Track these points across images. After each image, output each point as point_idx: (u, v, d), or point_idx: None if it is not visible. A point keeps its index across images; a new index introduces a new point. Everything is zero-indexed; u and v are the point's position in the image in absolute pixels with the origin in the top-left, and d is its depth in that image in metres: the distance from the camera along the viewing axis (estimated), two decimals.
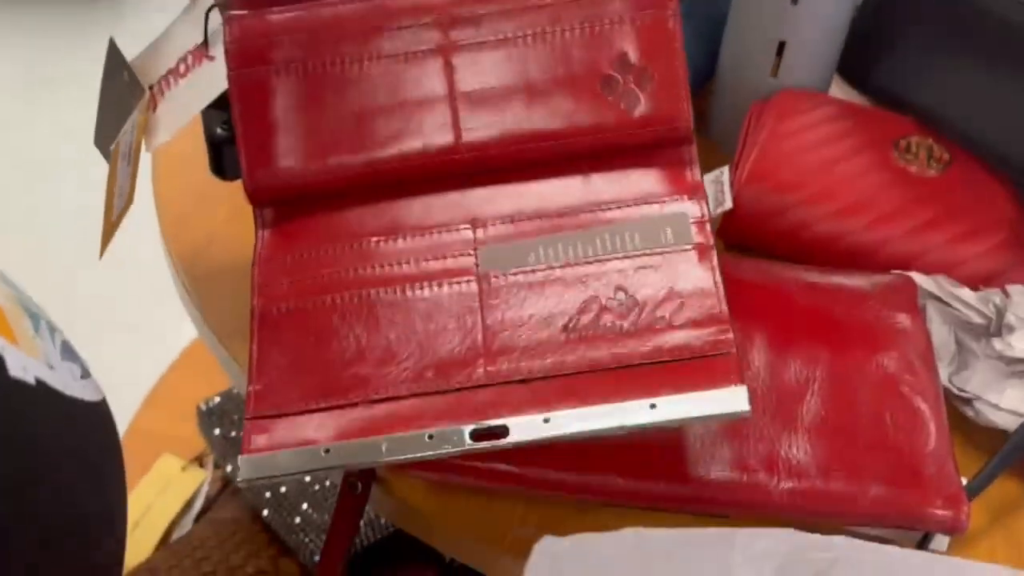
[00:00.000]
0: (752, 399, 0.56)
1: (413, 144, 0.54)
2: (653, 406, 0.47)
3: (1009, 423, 0.60)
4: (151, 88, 0.59)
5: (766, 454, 0.54)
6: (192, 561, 0.92)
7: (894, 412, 0.56)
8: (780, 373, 0.57)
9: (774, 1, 0.73)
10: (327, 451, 0.48)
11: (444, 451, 0.48)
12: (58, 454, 0.36)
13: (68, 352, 0.41)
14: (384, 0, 0.55)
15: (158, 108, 0.58)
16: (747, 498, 0.53)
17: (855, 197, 0.70)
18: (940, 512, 0.52)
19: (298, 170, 0.54)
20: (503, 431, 0.48)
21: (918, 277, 0.65)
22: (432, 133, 0.54)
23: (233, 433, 1.00)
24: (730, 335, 0.49)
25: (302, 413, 0.50)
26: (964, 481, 0.56)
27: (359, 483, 0.58)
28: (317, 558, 0.90)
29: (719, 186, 0.72)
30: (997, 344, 0.61)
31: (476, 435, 0.48)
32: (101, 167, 0.56)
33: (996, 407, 0.60)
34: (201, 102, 0.57)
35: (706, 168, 0.74)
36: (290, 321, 0.52)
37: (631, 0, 0.54)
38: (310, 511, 0.92)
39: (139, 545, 1.05)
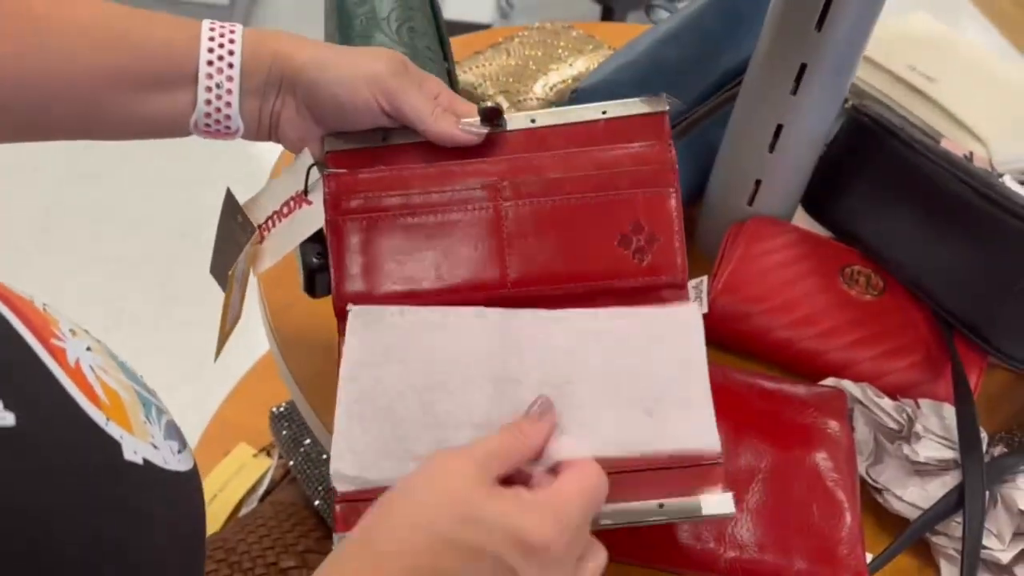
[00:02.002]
0: None
1: (468, 277, 0.56)
2: (661, 506, 0.49)
3: (910, 513, 0.62)
4: (259, 226, 0.61)
5: (717, 528, 0.57)
6: (256, 536, 0.95)
7: (819, 503, 0.58)
8: (734, 462, 0.60)
9: (754, 147, 0.76)
10: None
11: None
12: (153, 519, 0.38)
13: (170, 431, 0.43)
14: (451, 166, 0.57)
15: (264, 241, 0.61)
16: (699, 561, 0.56)
17: (806, 312, 0.73)
18: None
19: (376, 294, 0.56)
20: None
21: (849, 385, 0.68)
22: (483, 270, 0.56)
23: (296, 436, 1.02)
24: (719, 448, 0.50)
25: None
26: (870, 557, 0.59)
27: None
28: None
29: (699, 292, 0.75)
30: (905, 448, 0.64)
31: None
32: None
33: (900, 499, 0.63)
34: (300, 237, 0.59)
35: (693, 271, 0.77)
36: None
37: (641, 178, 0.57)
38: None
39: (215, 514, 1.08)
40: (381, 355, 0.53)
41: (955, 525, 0.61)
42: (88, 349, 0.39)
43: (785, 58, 0.70)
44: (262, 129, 0.58)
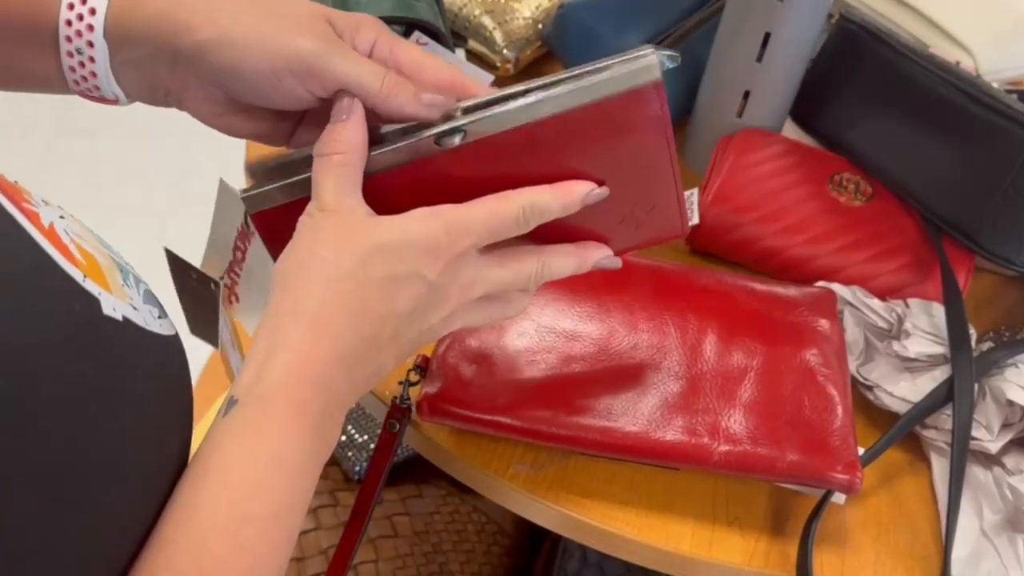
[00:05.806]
0: (703, 380, 0.59)
1: None
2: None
3: (900, 408, 0.62)
4: (222, 281, 0.55)
5: (710, 424, 0.56)
6: None
7: (811, 396, 0.58)
8: (726, 360, 0.60)
9: (742, 58, 0.75)
10: None
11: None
12: (136, 371, 0.38)
13: (149, 297, 0.42)
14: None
15: (240, 298, 0.54)
16: (693, 456, 0.56)
17: (795, 220, 0.72)
18: (840, 476, 0.55)
19: None
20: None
21: (839, 287, 0.67)
22: None
23: None
24: None
25: None
26: (861, 451, 0.59)
27: (397, 424, 0.61)
28: (357, 468, 0.93)
29: (690, 204, 0.74)
30: (895, 345, 0.63)
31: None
32: None
33: (891, 395, 0.63)
34: (263, 281, 0.53)
35: (683, 184, 0.76)
36: None
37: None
38: (353, 432, 0.95)
39: None
40: None
41: (945, 418, 0.61)
42: (62, 217, 0.39)
43: None
44: (157, 100, 0.50)
